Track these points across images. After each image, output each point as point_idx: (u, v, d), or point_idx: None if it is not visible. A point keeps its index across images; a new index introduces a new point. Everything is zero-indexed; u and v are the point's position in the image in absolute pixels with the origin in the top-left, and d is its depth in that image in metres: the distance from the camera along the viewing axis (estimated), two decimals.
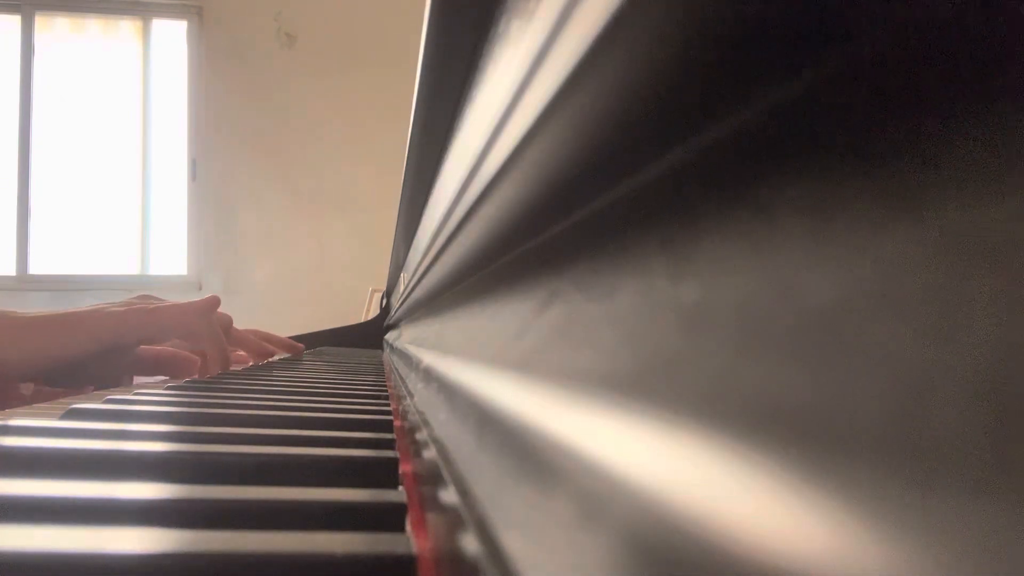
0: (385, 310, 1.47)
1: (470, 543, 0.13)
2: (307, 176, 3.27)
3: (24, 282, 3.19)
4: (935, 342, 0.06)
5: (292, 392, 0.52)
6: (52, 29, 3.24)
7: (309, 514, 0.22)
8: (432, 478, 0.19)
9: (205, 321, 0.69)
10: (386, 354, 1.06)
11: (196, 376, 0.70)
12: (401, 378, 0.52)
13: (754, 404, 0.08)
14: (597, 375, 0.13)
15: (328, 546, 0.18)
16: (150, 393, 0.48)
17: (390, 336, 1.20)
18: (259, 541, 0.18)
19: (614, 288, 0.15)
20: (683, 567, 0.07)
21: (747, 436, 0.08)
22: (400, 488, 0.26)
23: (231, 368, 0.73)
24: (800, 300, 0.09)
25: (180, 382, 0.57)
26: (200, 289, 3.23)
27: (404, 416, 0.36)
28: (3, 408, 0.41)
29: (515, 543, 0.11)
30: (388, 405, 0.46)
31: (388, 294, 1.45)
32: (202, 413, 0.40)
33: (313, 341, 1.36)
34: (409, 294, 0.80)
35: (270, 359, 0.90)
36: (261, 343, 0.88)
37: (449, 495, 0.16)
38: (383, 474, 0.28)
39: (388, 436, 0.34)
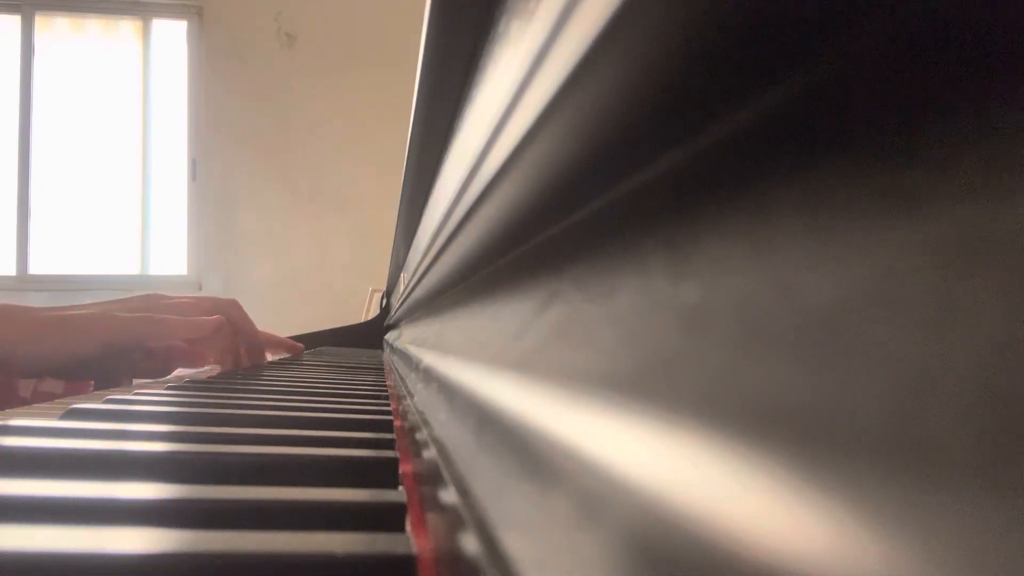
0: (385, 310, 1.47)
1: (470, 543, 0.13)
2: (307, 176, 3.27)
3: (24, 282, 3.19)
4: (935, 342, 0.06)
5: (292, 392, 0.52)
6: (52, 29, 3.24)
7: (309, 514, 0.22)
8: (432, 478, 0.19)
9: (217, 339, 0.69)
10: (386, 354, 1.06)
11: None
12: (401, 378, 0.52)
13: (754, 404, 0.08)
14: (597, 375, 0.13)
15: (328, 546, 0.18)
16: (150, 393, 0.48)
17: (390, 336, 1.20)
18: (259, 541, 0.18)
19: (614, 288, 0.15)
20: (683, 567, 0.07)
21: (747, 436, 0.08)
22: (400, 488, 0.26)
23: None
24: (800, 300, 0.09)
25: (180, 382, 0.57)
26: (200, 289, 3.23)
27: (404, 416, 0.36)
28: (3, 408, 0.41)
29: (515, 543, 0.11)
30: (388, 405, 0.46)
31: (388, 294, 1.45)
32: (202, 413, 0.40)
33: (313, 341, 1.36)
34: (409, 294, 0.80)
35: (269, 359, 0.90)
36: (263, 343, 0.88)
37: (449, 495, 0.16)
38: (383, 474, 0.28)
39: (388, 436, 0.34)
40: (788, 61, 0.09)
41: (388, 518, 0.22)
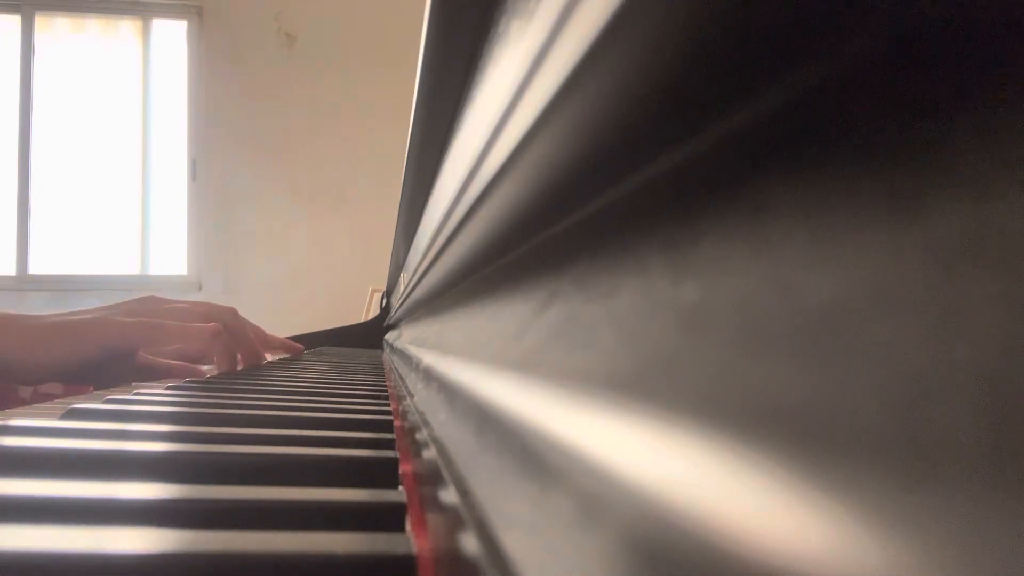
0: (385, 310, 1.47)
1: (470, 543, 0.13)
2: (307, 176, 3.27)
3: (24, 282, 3.19)
4: (935, 342, 0.06)
5: (292, 392, 0.52)
6: (52, 29, 3.24)
7: (309, 514, 0.22)
8: (432, 478, 0.19)
9: (214, 345, 0.69)
10: (386, 354, 1.06)
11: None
12: (401, 378, 0.52)
13: (754, 404, 0.08)
14: (597, 375, 0.13)
15: (328, 546, 0.18)
16: (150, 393, 0.48)
17: (390, 336, 1.20)
18: (259, 541, 0.18)
19: (614, 288, 0.15)
20: (683, 567, 0.07)
21: (747, 436, 0.08)
22: (400, 488, 0.26)
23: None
24: (799, 300, 0.09)
25: (180, 382, 0.57)
26: (200, 289, 3.23)
27: (404, 416, 0.36)
28: (3, 409, 0.41)
29: (515, 543, 0.11)
30: (388, 405, 0.46)
31: (388, 294, 1.45)
32: (202, 413, 0.40)
33: (313, 341, 1.36)
34: (409, 294, 0.80)
35: (269, 360, 0.90)
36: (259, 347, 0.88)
37: (449, 495, 0.16)
38: (383, 474, 0.28)
39: (388, 436, 0.34)
40: (787, 61, 0.09)
41: (388, 518, 0.22)
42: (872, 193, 0.08)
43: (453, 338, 0.40)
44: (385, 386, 0.60)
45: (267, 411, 0.40)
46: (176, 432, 0.34)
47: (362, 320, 1.69)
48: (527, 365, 0.18)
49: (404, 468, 0.27)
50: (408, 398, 0.38)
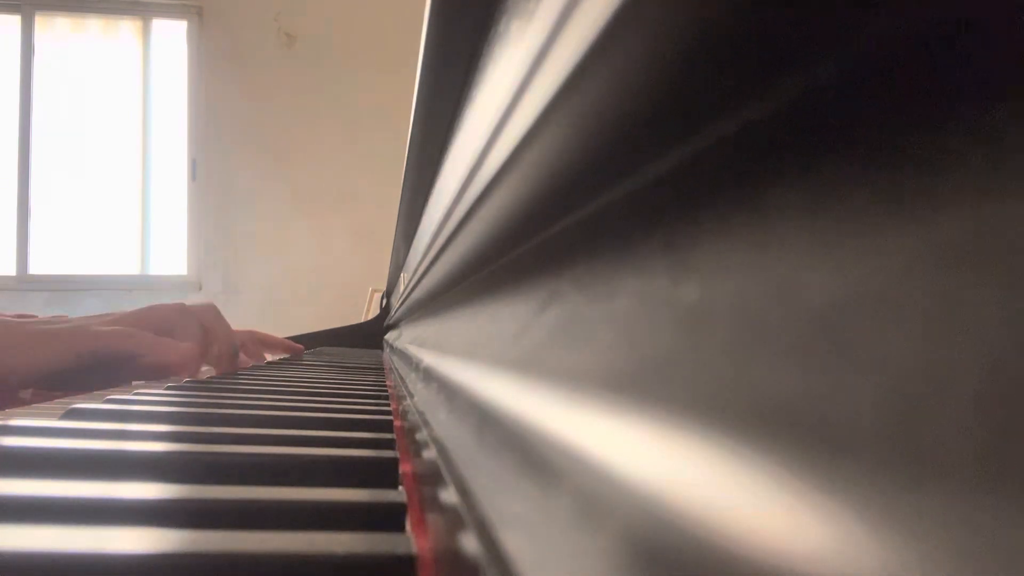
0: (385, 310, 1.47)
1: (470, 543, 0.13)
2: (307, 176, 3.27)
3: (24, 282, 3.19)
4: (935, 342, 0.06)
5: (292, 392, 0.52)
6: (52, 29, 3.24)
7: (309, 514, 0.22)
8: (432, 478, 0.19)
9: (190, 362, 0.68)
10: (386, 354, 1.06)
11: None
12: (401, 378, 0.52)
13: (754, 404, 0.08)
14: (597, 375, 0.13)
15: (328, 546, 0.18)
16: (150, 393, 0.48)
17: (390, 336, 1.20)
18: (259, 541, 0.18)
19: (614, 289, 0.15)
20: (682, 567, 0.07)
21: (747, 436, 0.08)
22: (400, 488, 0.26)
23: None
24: (799, 300, 0.09)
25: (180, 382, 0.57)
26: (200, 289, 3.23)
27: (404, 416, 0.36)
28: (3, 408, 0.41)
29: (515, 543, 0.11)
30: (388, 405, 0.46)
31: (388, 294, 1.45)
32: (202, 413, 0.40)
33: (313, 341, 1.36)
34: (409, 294, 0.80)
35: (269, 360, 0.90)
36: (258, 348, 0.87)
37: (449, 495, 0.16)
38: (383, 474, 0.28)
39: (388, 436, 0.34)
40: (788, 61, 0.09)
41: (388, 518, 0.22)
42: (872, 193, 0.08)
43: (453, 338, 0.40)
44: (385, 386, 0.60)
45: (267, 411, 0.40)
46: (176, 432, 0.34)
47: (362, 320, 1.69)
48: (527, 365, 0.18)
49: (404, 468, 0.27)
50: (408, 398, 0.38)
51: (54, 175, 3.24)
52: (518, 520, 0.12)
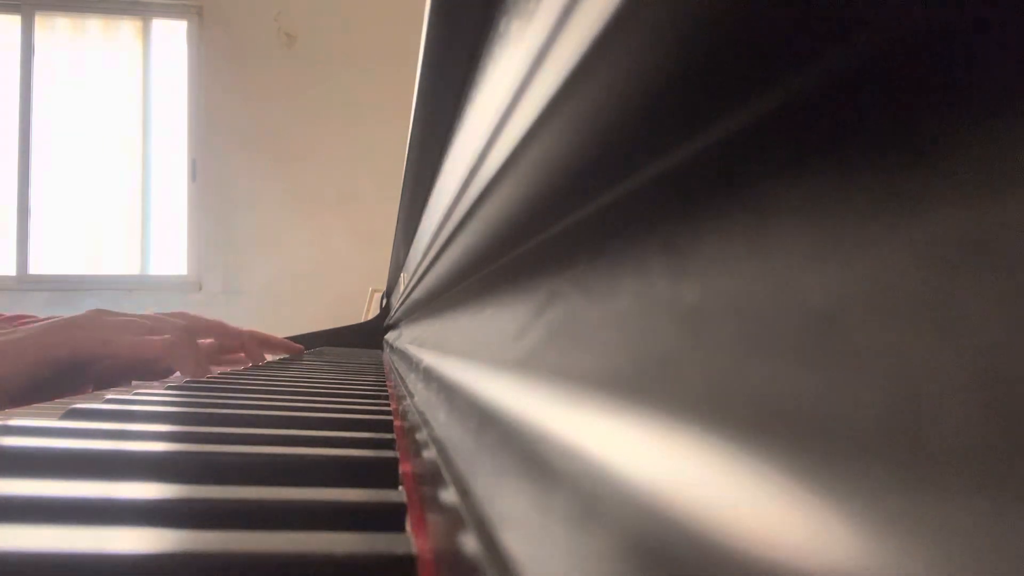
0: (385, 310, 1.47)
1: (470, 543, 0.13)
2: (307, 176, 3.27)
3: (24, 282, 3.19)
4: (935, 343, 0.06)
5: (292, 392, 0.52)
6: (52, 29, 3.24)
7: (309, 514, 0.22)
8: (432, 478, 0.19)
9: (173, 352, 0.65)
10: (386, 354, 1.06)
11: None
12: (401, 378, 0.52)
13: (754, 404, 0.08)
14: (597, 375, 0.13)
15: (328, 546, 0.18)
16: (150, 393, 0.48)
17: (390, 336, 1.20)
18: (259, 541, 0.18)
19: (614, 289, 0.15)
20: (682, 567, 0.07)
21: (747, 436, 0.08)
22: (400, 488, 0.26)
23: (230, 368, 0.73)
24: (799, 301, 0.09)
25: (180, 382, 0.57)
26: (200, 289, 3.23)
27: (404, 416, 0.36)
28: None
29: (515, 543, 0.11)
30: (388, 405, 0.46)
31: (388, 294, 1.45)
32: (202, 413, 0.40)
33: (313, 341, 1.36)
34: (409, 294, 0.80)
35: (269, 360, 0.90)
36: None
37: (449, 495, 0.16)
38: (383, 474, 0.28)
39: (388, 436, 0.34)
40: (788, 61, 0.09)
41: (388, 518, 0.22)
42: (872, 193, 0.08)
43: (453, 338, 0.40)
44: (385, 386, 0.60)
45: (267, 411, 0.40)
46: (176, 432, 0.34)
47: (362, 320, 1.69)
48: (527, 365, 0.18)
49: (404, 468, 0.27)
50: (408, 398, 0.38)
51: (54, 175, 3.24)
52: (518, 520, 0.12)
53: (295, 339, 1.12)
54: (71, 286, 3.17)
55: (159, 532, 0.19)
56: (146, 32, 3.29)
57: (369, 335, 1.47)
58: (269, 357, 0.94)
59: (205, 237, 3.28)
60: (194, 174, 3.28)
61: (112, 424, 0.35)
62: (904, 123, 0.08)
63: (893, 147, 0.08)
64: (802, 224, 0.09)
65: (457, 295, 0.46)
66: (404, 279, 0.91)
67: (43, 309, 2.92)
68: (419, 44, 0.36)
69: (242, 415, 0.39)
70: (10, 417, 0.36)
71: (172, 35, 3.31)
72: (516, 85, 0.17)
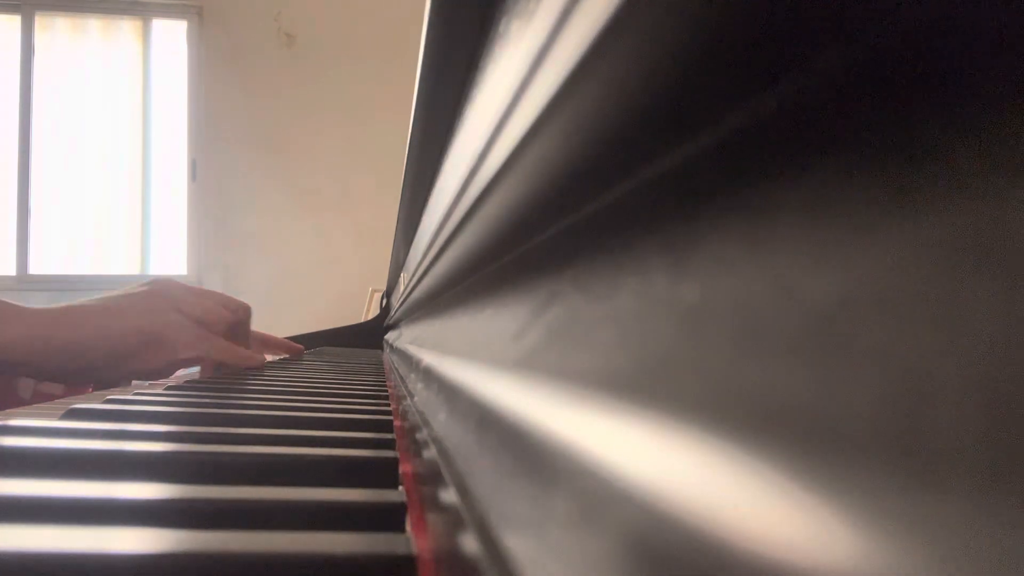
0: (385, 310, 1.47)
1: (470, 543, 0.13)
2: (307, 176, 3.27)
3: (24, 282, 3.19)
4: (935, 343, 0.06)
5: (292, 392, 0.52)
6: (52, 29, 3.24)
7: (309, 514, 0.22)
8: (432, 478, 0.19)
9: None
10: (386, 354, 1.06)
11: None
12: (401, 378, 0.52)
13: (754, 404, 0.08)
14: (597, 375, 0.13)
15: (328, 546, 0.18)
16: (150, 393, 0.48)
17: (390, 336, 1.20)
18: (259, 541, 0.18)
19: (614, 289, 0.15)
20: (682, 567, 0.07)
21: (747, 436, 0.08)
22: (400, 488, 0.26)
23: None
24: (799, 301, 0.09)
25: (180, 382, 0.57)
26: None
27: (404, 416, 0.36)
28: (3, 408, 0.41)
29: (515, 543, 0.11)
30: (388, 405, 0.46)
31: (388, 294, 1.45)
32: (202, 413, 0.40)
33: (313, 341, 1.36)
34: (409, 294, 0.80)
35: (269, 360, 0.90)
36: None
37: (449, 495, 0.16)
38: (383, 474, 0.28)
39: (388, 436, 0.34)
40: (789, 61, 0.09)
41: (388, 518, 0.22)
42: (872, 193, 0.08)
43: (453, 338, 0.40)
44: (385, 386, 0.60)
45: (267, 411, 0.40)
46: (176, 432, 0.34)
47: (362, 320, 1.69)
48: (527, 365, 0.18)
49: (404, 468, 0.27)
50: (408, 398, 0.38)
51: (54, 175, 3.24)
52: (518, 520, 0.12)
53: (295, 339, 1.12)
54: (71, 286, 3.17)
55: (159, 532, 0.19)
56: (146, 32, 3.30)
57: (369, 335, 1.47)
58: (269, 357, 0.94)
59: (205, 237, 3.28)
60: (194, 174, 3.28)
61: (112, 424, 0.35)
62: (904, 123, 0.08)
63: (893, 147, 0.08)
64: (802, 224, 0.09)
65: (457, 295, 0.46)
66: (404, 279, 0.91)
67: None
68: (419, 44, 0.36)
69: (242, 415, 0.39)
70: (10, 417, 0.36)
71: (172, 35, 3.31)
72: (516, 85, 0.17)
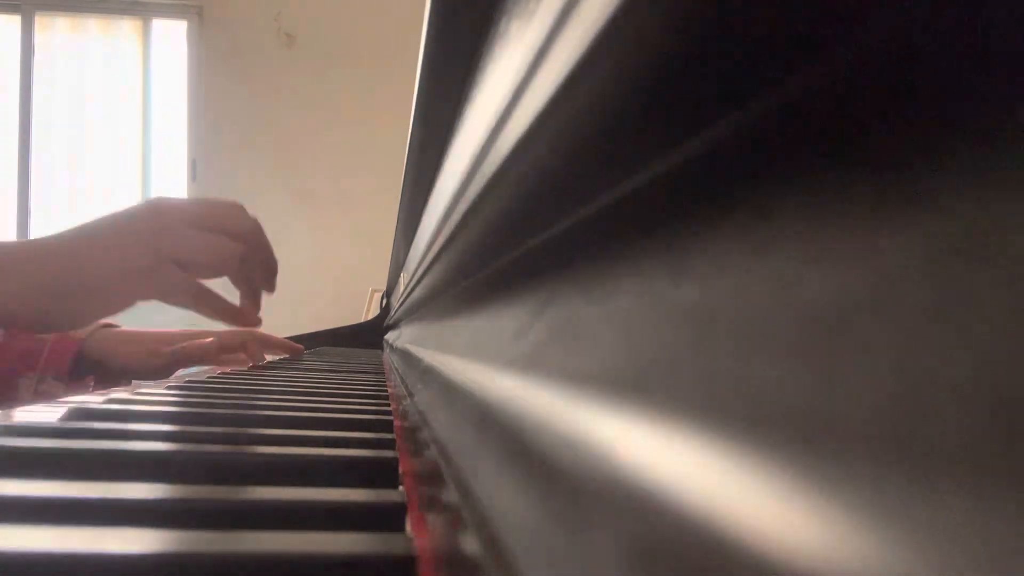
0: (385, 310, 1.47)
1: (470, 543, 0.13)
2: (307, 176, 3.27)
3: None
4: (935, 343, 0.06)
5: (292, 392, 0.52)
6: (52, 29, 3.24)
7: (309, 514, 0.22)
8: (432, 478, 0.19)
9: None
10: (386, 354, 1.06)
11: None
12: (401, 378, 0.52)
13: (754, 404, 0.08)
14: (596, 375, 0.13)
15: (328, 546, 0.18)
16: (150, 393, 0.48)
17: (390, 336, 1.20)
18: (259, 541, 0.18)
19: (614, 289, 0.15)
20: (682, 567, 0.07)
21: (748, 436, 0.08)
22: (400, 488, 0.26)
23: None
24: (799, 301, 0.09)
25: (180, 382, 0.57)
26: None
27: (404, 416, 0.36)
28: (3, 408, 0.41)
29: (515, 543, 0.11)
30: (388, 405, 0.46)
31: (388, 294, 1.45)
32: (202, 413, 0.40)
33: (313, 341, 1.36)
34: (409, 294, 0.80)
35: (269, 360, 0.90)
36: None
37: (449, 495, 0.16)
38: (383, 474, 0.28)
39: (388, 436, 0.34)
40: (789, 60, 0.09)
41: (388, 518, 0.22)
42: (872, 193, 0.08)
43: (453, 338, 0.40)
44: (385, 386, 0.60)
45: (267, 411, 0.40)
46: (176, 432, 0.34)
47: (362, 320, 1.69)
48: (527, 365, 0.18)
49: (404, 468, 0.27)
50: (408, 398, 0.38)
51: (54, 175, 3.24)
52: (518, 520, 0.12)
53: (295, 339, 1.12)
54: None
55: (159, 532, 0.19)
56: (146, 32, 3.29)
57: (369, 335, 1.47)
58: (269, 357, 0.94)
59: None
60: (194, 174, 3.28)
61: (112, 424, 0.35)
62: (904, 123, 0.08)
63: (893, 147, 0.08)
64: (802, 224, 0.09)
65: (457, 295, 0.46)
66: (404, 279, 0.91)
67: None
68: (419, 44, 0.36)
69: (242, 415, 0.39)
70: (10, 417, 0.36)
71: (172, 35, 3.31)
72: (516, 85, 0.17)
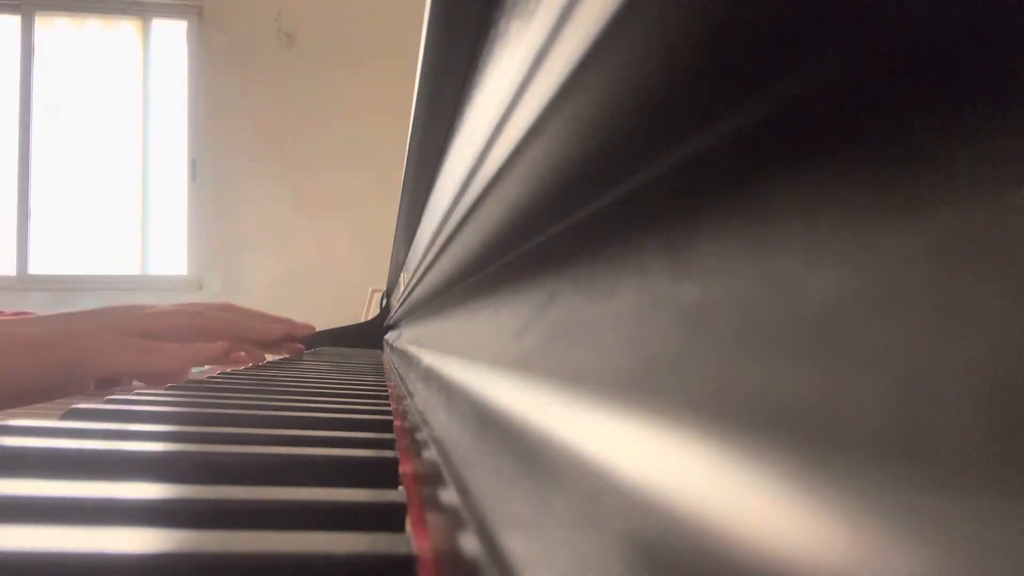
0: (385, 310, 1.47)
1: (470, 543, 0.13)
2: (307, 176, 3.27)
3: (24, 282, 3.19)
4: (935, 343, 0.06)
5: (292, 392, 0.52)
6: (52, 29, 3.24)
7: (309, 514, 0.22)
8: (432, 478, 0.19)
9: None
10: (386, 354, 1.06)
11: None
12: (401, 378, 0.52)
13: (754, 404, 0.08)
14: (597, 375, 0.13)
15: (328, 546, 0.18)
16: (150, 393, 0.48)
17: (390, 336, 1.20)
18: (259, 541, 0.18)
19: (614, 288, 0.15)
20: (682, 567, 0.07)
21: (748, 436, 0.08)
22: (400, 488, 0.26)
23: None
24: (799, 302, 0.09)
25: (180, 382, 0.57)
26: (200, 289, 3.23)
27: (404, 416, 0.36)
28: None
29: (515, 543, 0.11)
30: (388, 405, 0.46)
31: (388, 294, 1.45)
32: (202, 413, 0.40)
33: (313, 341, 1.36)
34: (409, 294, 0.80)
35: (269, 360, 0.90)
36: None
37: (449, 495, 0.16)
38: (383, 474, 0.28)
39: (388, 436, 0.34)
40: (789, 61, 0.09)
41: (388, 518, 0.22)
42: (871, 193, 0.08)
43: (453, 338, 0.40)
44: (385, 386, 0.60)
45: (267, 411, 0.40)
46: (176, 432, 0.34)
47: (362, 320, 1.69)
48: (527, 365, 0.18)
49: (404, 468, 0.27)
50: (408, 398, 0.38)
51: (54, 175, 3.24)
52: (518, 520, 0.12)
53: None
54: (71, 286, 3.17)
55: (159, 532, 0.19)
56: (146, 32, 3.30)
57: (369, 335, 1.47)
58: (269, 357, 0.94)
59: (205, 237, 3.28)
60: (194, 174, 3.28)
61: (112, 424, 0.35)
62: (903, 123, 0.08)
63: (892, 147, 0.08)
64: (801, 224, 0.09)
65: (457, 295, 0.46)
66: (404, 279, 0.91)
67: (43, 308, 2.91)
68: (419, 44, 0.36)
69: (242, 415, 0.39)
70: (10, 417, 0.36)
71: (172, 35, 3.31)
72: (516, 85, 0.17)
